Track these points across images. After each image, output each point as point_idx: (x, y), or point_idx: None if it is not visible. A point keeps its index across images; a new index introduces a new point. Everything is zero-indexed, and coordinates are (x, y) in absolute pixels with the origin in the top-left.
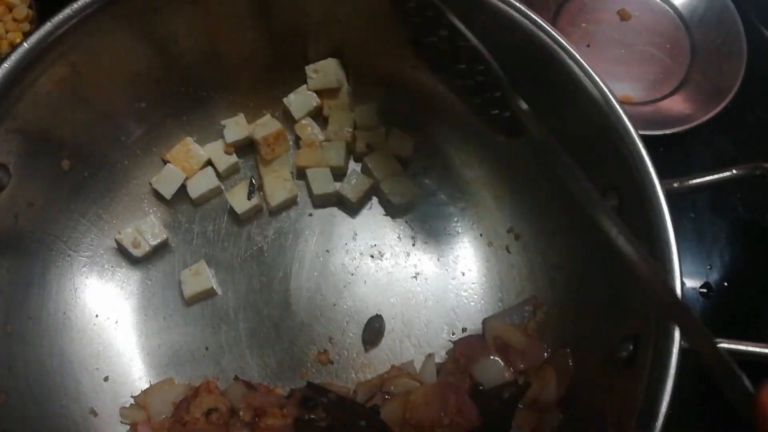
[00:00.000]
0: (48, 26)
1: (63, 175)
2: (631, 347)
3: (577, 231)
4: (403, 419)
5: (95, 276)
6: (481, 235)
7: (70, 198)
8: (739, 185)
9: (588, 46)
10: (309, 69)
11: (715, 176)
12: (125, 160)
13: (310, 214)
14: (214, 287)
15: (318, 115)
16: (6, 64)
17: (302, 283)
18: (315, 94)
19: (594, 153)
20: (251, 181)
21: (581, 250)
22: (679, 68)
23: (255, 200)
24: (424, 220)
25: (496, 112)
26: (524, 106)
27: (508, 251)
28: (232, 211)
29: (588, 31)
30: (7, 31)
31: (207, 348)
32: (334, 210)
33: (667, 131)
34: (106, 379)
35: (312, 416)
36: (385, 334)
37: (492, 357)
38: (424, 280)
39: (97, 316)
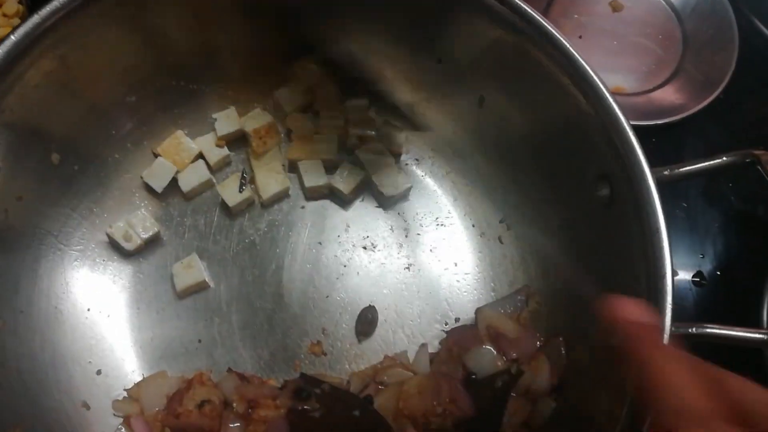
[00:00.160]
0: (35, 18)
1: (53, 168)
2: None
3: (568, 220)
4: (397, 409)
5: (87, 270)
6: (473, 226)
7: (61, 192)
8: (731, 174)
9: (580, 37)
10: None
11: (706, 164)
12: (116, 154)
13: (303, 207)
14: (206, 280)
15: (309, 108)
16: None
17: (295, 275)
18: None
19: (585, 142)
20: (242, 173)
21: (573, 239)
22: (671, 59)
23: (247, 193)
24: (417, 212)
25: None
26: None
27: (501, 242)
28: (224, 204)
29: (580, 22)
30: None
31: (200, 341)
32: (327, 202)
33: (660, 121)
34: (98, 372)
35: (305, 407)
36: (378, 324)
37: (485, 346)
38: (416, 271)
39: (89, 309)
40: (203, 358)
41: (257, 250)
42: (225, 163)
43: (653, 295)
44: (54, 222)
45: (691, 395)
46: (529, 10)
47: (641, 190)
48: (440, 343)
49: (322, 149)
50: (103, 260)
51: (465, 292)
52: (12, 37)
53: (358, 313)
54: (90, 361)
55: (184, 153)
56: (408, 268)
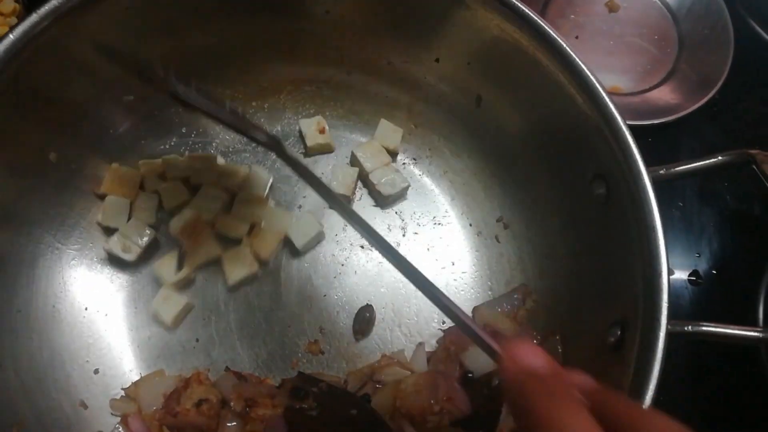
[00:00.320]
0: (34, 18)
1: (51, 167)
2: (619, 332)
3: (565, 219)
4: (394, 407)
5: (84, 269)
6: (470, 225)
7: (58, 190)
8: (726, 174)
9: (576, 37)
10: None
11: (701, 163)
12: (113, 153)
13: (300, 206)
14: (189, 301)
15: (322, 132)
16: None
17: (292, 274)
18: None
19: (582, 142)
20: (180, 249)
21: (569, 238)
22: (667, 59)
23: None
24: (414, 211)
25: None
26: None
27: (498, 240)
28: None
29: (577, 22)
30: None
31: (197, 339)
32: (325, 201)
33: (656, 121)
34: (96, 371)
35: (303, 405)
36: (376, 323)
37: None
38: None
39: (86, 309)
40: (201, 357)
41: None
42: None
43: (649, 292)
44: (52, 221)
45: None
46: (527, 11)
47: (637, 189)
48: (437, 342)
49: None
50: (101, 259)
51: (462, 290)
52: (10, 35)
53: (356, 311)
54: (87, 360)
55: (130, 183)
56: None
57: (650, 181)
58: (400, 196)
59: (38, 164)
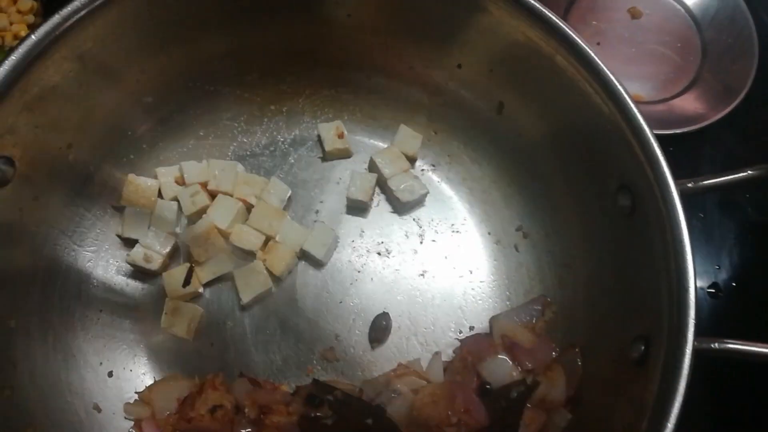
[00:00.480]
0: (56, 18)
1: (69, 168)
2: (643, 348)
3: (586, 230)
4: (410, 418)
5: (100, 271)
6: (489, 233)
7: (76, 192)
8: (748, 186)
9: (598, 44)
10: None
11: (730, 177)
12: (131, 155)
13: (317, 211)
14: (197, 306)
15: (341, 137)
16: (13, 57)
17: (309, 280)
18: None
19: (607, 152)
20: (190, 265)
21: (590, 248)
22: (689, 67)
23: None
24: (432, 218)
25: None
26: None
27: (517, 250)
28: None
29: (599, 29)
30: (11, 23)
31: (212, 344)
32: (342, 207)
33: (678, 130)
34: (110, 374)
35: (318, 414)
36: (392, 332)
37: (500, 356)
38: (431, 278)
39: (101, 311)
40: (215, 362)
41: None
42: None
43: (675, 308)
44: (68, 222)
45: None
46: (552, 16)
47: (664, 202)
48: (454, 352)
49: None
50: (116, 261)
51: (480, 300)
52: (33, 36)
53: (372, 319)
54: (102, 363)
55: (147, 193)
56: (422, 274)
57: (678, 194)
58: (419, 202)
59: (57, 165)
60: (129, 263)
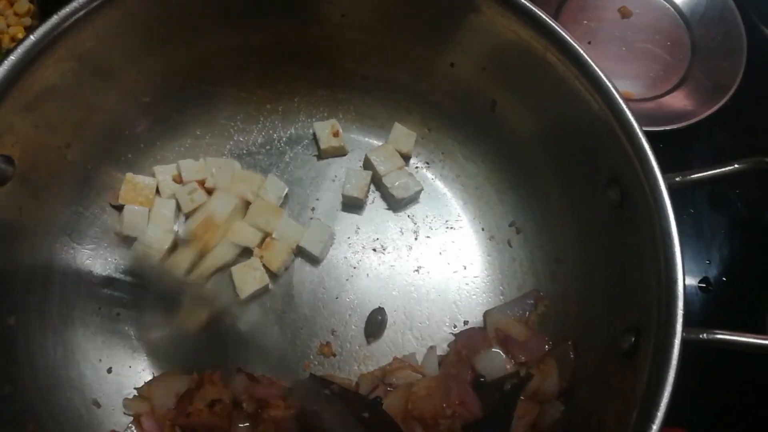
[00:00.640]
0: (54, 19)
1: (67, 167)
2: (633, 339)
3: (577, 225)
4: (406, 410)
5: (99, 268)
6: (482, 229)
7: (74, 191)
8: (738, 181)
9: (589, 43)
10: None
11: (717, 170)
12: (129, 154)
13: (313, 209)
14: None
15: (336, 135)
16: (12, 57)
17: (305, 276)
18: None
19: (596, 147)
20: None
21: (582, 243)
22: (679, 65)
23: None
24: (426, 215)
25: None
26: None
27: (510, 245)
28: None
29: (589, 28)
30: (8, 25)
31: (210, 340)
32: (337, 204)
33: (668, 127)
34: (109, 370)
35: (315, 408)
36: (388, 326)
37: (494, 349)
38: (426, 273)
39: (100, 308)
40: (213, 358)
41: None
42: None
43: (664, 300)
44: (67, 221)
45: None
46: (543, 15)
47: (653, 196)
48: (449, 346)
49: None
50: (115, 259)
51: (474, 295)
52: (31, 37)
53: (368, 314)
54: (101, 360)
55: (145, 191)
56: (417, 270)
57: (666, 188)
58: (413, 199)
59: (56, 164)
60: (128, 260)
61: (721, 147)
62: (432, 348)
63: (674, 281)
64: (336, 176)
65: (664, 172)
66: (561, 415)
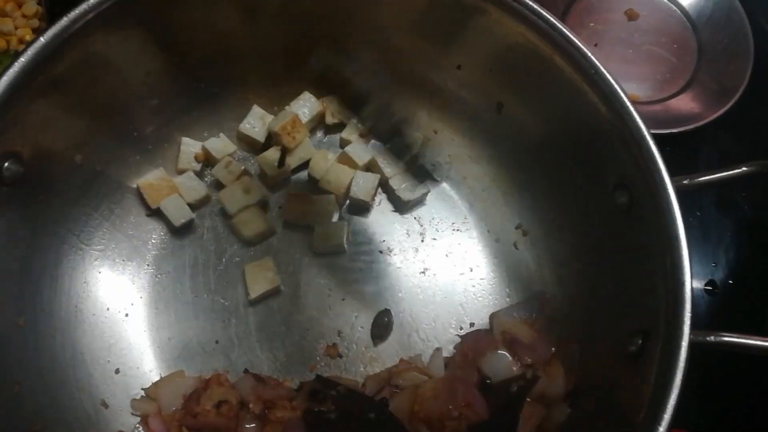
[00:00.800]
0: (64, 21)
1: (76, 168)
2: (640, 341)
3: (584, 227)
4: (412, 412)
5: (107, 269)
6: (488, 231)
7: (83, 192)
8: (744, 184)
9: (596, 45)
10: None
11: (725, 173)
12: (137, 155)
13: None
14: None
15: (321, 122)
16: (22, 59)
17: (312, 278)
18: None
19: (604, 150)
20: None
21: (589, 245)
22: (686, 68)
23: (264, 225)
24: (433, 217)
25: None
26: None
27: (516, 247)
28: None
29: (596, 30)
30: (16, 27)
31: (217, 341)
32: (344, 205)
33: (674, 130)
34: (117, 371)
35: (321, 409)
36: (394, 328)
37: (500, 351)
38: (432, 275)
39: (108, 309)
40: (220, 359)
41: (275, 252)
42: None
43: (672, 302)
44: (75, 222)
45: None
46: (551, 17)
47: (661, 199)
48: (455, 348)
49: (317, 212)
50: (123, 260)
51: (480, 297)
52: (41, 39)
53: (374, 316)
54: (109, 360)
55: (162, 184)
56: (424, 272)
57: (674, 191)
58: (420, 201)
59: (64, 165)
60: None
61: (728, 150)
62: (438, 350)
63: (681, 284)
64: None
65: (671, 175)
66: (567, 417)
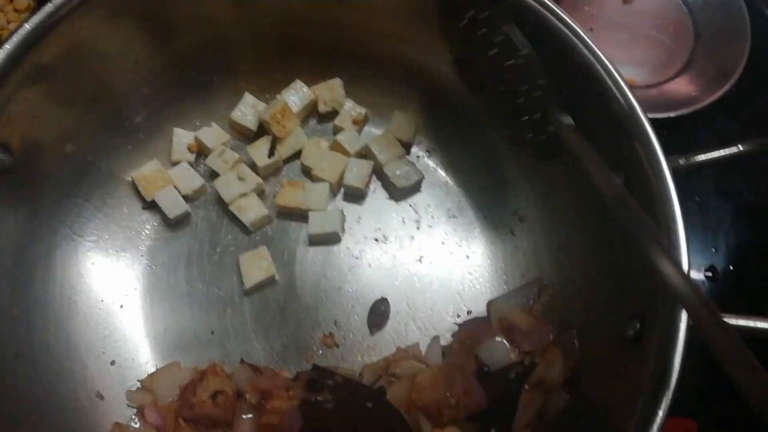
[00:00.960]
0: (49, 7)
1: (67, 158)
2: (638, 326)
3: (581, 212)
4: (410, 400)
5: (100, 261)
6: (485, 218)
7: (74, 182)
8: (744, 168)
9: (591, 29)
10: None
11: (721, 153)
12: (128, 145)
13: None
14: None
15: (314, 110)
16: (8, 46)
17: (307, 267)
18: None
19: (599, 132)
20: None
21: (586, 231)
22: (682, 51)
23: (263, 210)
24: (428, 204)
25: (531, 135)
26: (568, 121)
27: (513, 234)
28: None
29: (591, 14)
30: (8, 22)
31: (212, 332)
32: (339, 193)
33: (672, 114)
34: (112, 363)
35: (318, 398)
36: (391, 317)
37: (497, 338)
38: (428, 263)
39: (102, 300)
40: (216, 350)
41: (269, 241)
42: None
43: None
44: (68, 213)
45: None
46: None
47: (656, 179)
48: (452, 336)
49: (312, 200)
50: (116, 251)
51: (477, 284)
52: (26, 25)
53: (371, 305)
54: (104, 352)
55: (156, 176)
56: (420, 260)
57: (670, 172)
58: (415, 188)
59: (55, 155)
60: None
61: (727, 133)
62: (435, 338)
63: (678, 266)
64: None
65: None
66: (566, 404)
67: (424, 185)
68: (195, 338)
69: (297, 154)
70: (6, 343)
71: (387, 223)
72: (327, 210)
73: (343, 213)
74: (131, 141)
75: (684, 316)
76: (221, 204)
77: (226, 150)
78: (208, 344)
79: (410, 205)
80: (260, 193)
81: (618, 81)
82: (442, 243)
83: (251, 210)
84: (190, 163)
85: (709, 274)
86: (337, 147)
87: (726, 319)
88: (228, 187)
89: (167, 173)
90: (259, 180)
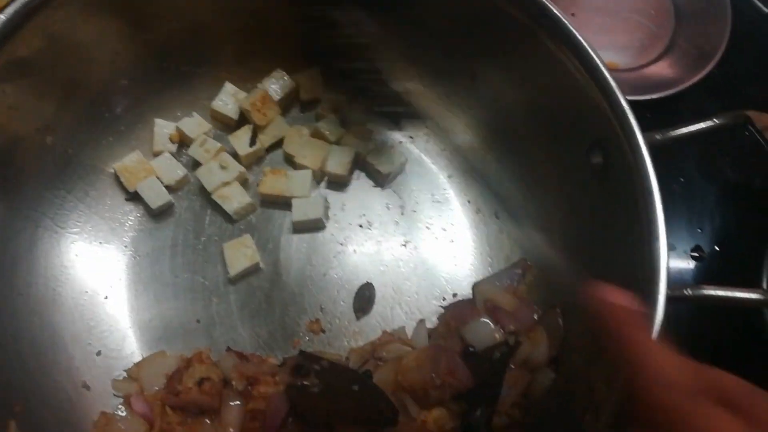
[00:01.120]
0: None
1: (47, 150)
2: None
3: (563, 192)
4: (396, 382)
5: (84, 252)
6: (469, 202)
7: (56, 174)
8: (726, 146)
9: (573, 14)
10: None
11: (698, 126)
12: (109, 137)
13: None
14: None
15: (296, 99)
16: None
17: (292, 254)
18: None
19: (578, 113)
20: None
21: (569, 211)
22: (664, 34)
23: (246, 199)
24: (412, 189)
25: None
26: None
27: (497, 217)
28: None
29: (572, 0)
30: None
31: (198, 321)
32: (323, 182)
33: (654, 96)
34: (98, 353)
35: (305, 383)
36: (376, 301)
37: (482, 319)
38: (413, 248)
39: (87, 292)
40: (202, 338)
41: (253, 230)
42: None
43: (648, 258)
44: (50, 205)
45: (677, 372)
46: None
47: (633, 154)
48: (438, 319)
49: (295, 187)
50: (100, 242)
51: (462, 267)
52: (1, 15)
53: (356, 290)
54: (89, 343)
55: (139, 166)
56: (404, 245)
57: (647, 146)
58: (399, 172)
59: (35, 147)
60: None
61: (708, 113)
62: (421, 321)
63: (656, 238)
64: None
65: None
66: (552, 382)
67: (407, 171)
68: (181, 327)
69: (279, 143)
70: None
71: (371, 210)
72: (310, 197)
73: (326, 200)
74: (112, 132)
75: (663, 288)
76: (204, 194)
77: (207, 139)
78: (194, 333)
79: (394, 191)
80: (243, 182)
81: (595, 61)
82: (427, 227)
83: (234, 199)
84: (172, 154)
85: (696, 254)
86: (317, 134)
87: (706, 291)
88: (210, 176)
89: (149, 164)
90: (242, 169)
